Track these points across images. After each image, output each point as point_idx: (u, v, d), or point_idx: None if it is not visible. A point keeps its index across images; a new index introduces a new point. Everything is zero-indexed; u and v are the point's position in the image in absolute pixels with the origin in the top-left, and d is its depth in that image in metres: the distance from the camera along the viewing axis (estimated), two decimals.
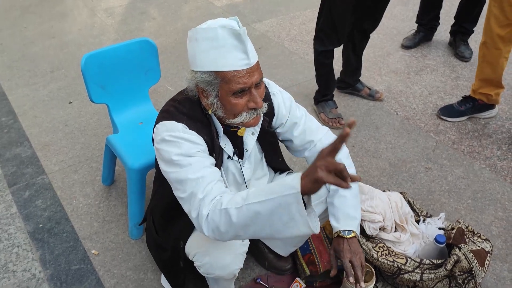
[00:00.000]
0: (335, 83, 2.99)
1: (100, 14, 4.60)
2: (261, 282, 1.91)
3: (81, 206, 2.32)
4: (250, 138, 1.53)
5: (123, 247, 2.09)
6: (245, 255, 1.53)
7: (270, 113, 1.53)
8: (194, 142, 1.33)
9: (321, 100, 2.93)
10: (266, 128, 1.53)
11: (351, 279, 1.39)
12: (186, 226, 1.52)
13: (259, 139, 1.58)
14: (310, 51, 3.69)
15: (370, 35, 2.86)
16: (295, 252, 1.95)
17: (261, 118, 1.46)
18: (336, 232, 1.50)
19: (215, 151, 1.42)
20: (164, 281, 1.87)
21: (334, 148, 1.02)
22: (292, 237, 1.14)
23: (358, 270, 1.41)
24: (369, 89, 3.10)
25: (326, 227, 2.03)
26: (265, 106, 1.38)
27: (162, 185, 1.53)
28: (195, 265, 1.53)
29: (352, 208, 1.53)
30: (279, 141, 1.67)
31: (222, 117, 1.37)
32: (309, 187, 1.05)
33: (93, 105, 3.03)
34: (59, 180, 2.49)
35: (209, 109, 1.36)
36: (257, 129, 1.52)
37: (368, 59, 3.53)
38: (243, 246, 1.53)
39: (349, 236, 1.47)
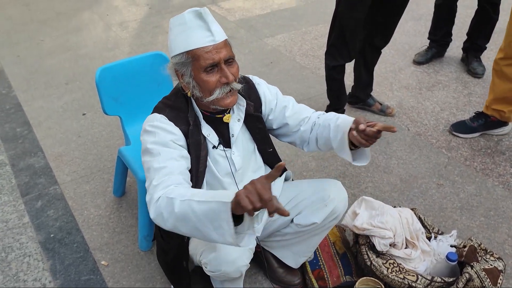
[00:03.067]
0: (346, 98, 3.00)
1: (114, 28, 4.69)
2: None
3: (92, 217, 2.34)
4: (236, 124, 1.58)
5: (132, 258, 2.10)
6: (252, 254, 1.54)
7: (258, 102, 1.63)
8: (169, 131, 1.43)
9: None
10: (252, 113, 1.59)
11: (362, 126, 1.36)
12: None
13: (248, 127, 1.62)
14: (321, 66, 3.70)
15: (382, 50, 2.87)
16: (304, 267, 1.94)
17: (239, 108, 1.55)
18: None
19: (193, 140, 1.48)
20: None
21: (270, 176, 1.07)
22: (221, 243, 1.18)
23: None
24: (381, 104, 3.10)
25: (336, 243, 2.02)
26: (240, 86, 1.45)
27: None
28: (201, 263, 1.53)
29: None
30: (276, 132, 1.73)
31: (200, 97, 1.44)
32: (234, 208, 1.10)
33: (106, 117, 3.07)
34: (71, 190, 2.51)
35: (187, 90, 1.46)
36: (242, 115, 1.58)
37: (380, 74, 3.54)
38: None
39: None
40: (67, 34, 4.56)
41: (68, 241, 2.20)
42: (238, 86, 1.45)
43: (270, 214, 1.05)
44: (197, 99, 1.48)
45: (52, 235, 2.23)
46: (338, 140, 1.49)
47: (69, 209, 2.38)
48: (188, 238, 1.61)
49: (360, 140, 1.38)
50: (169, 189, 1.29)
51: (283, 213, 1.04)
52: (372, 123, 1.37)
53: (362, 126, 1.34)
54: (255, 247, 1.88)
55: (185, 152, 1.46)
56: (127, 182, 2.46)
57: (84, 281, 2.00)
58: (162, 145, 1.41)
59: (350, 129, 1.41)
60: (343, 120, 1.49)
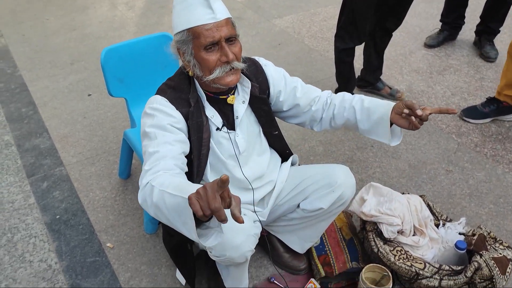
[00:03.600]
0: (355, 81, 2.94)
1: (120, 8, 4.62)
2: (275, 282, 1.89)
3: (98, 199, 2.33)
4: (240, 105, 1.55)
5: (138, 241, 2.10)
6: (257, 239, 1.52)
7: (265, 83, 1.60)
8: (168, 113, 1.42)
9: None
10: (257, 95, 1.56)
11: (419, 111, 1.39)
12: None
13: (253, 109, 1.60)
14: (330, 48, 3.64)
15: (392, 33, 2.80)
16: (310, 253, 1.92)
17: (244, 90, 1.53)
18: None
19: (193, 122, 1.45)
20: (179, 275, 1.86)
21: (219, 185, 0.99)
22: (190, 238, 1.14)
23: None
24: (390, 88, 3.05)
25: (342, 228, 2.00)
26: (242, 66, 1.42)
27: None
28: (206, 247, 1.52)
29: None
30: (286, 115, 1.71)
31: (200, 76, 1.42)
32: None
33: (111, 98, 3.01)
34: (76, 172, 2.50)
35: (188, 69, 1.44)
36: (247, 96, 1.55)
37: (390, 58, 3.47)
38: (256, 228, 1.52)
39: None
40: (73, 13, 4.50)
41: (74, 222, 2.20)
42: (240, 65, 1.41)
43: (222, 221, 1.00)
44: (199, 78, 1.45)
45: (57, 217, 2.23)
46: (372, 122, 1.55)
47: (75, 191, 2.38)
48: None
49: (412, 123, 1.42)
50: (156, 175, 1.27)
51: (237, 219, 0.99)
52: (422, 107, 1.41)
53: (419, 112, 1.37)
54: (261, 232, 1.87)
55: (182, 136, 1.43)
56: (132, 164, 2.45)
57: (90, 263, 2.00)
58: (159, 128, 1.39)
59: (393, 112, 1.47)
60: (374, 104, 1.54)
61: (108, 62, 2.03)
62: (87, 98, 3.16)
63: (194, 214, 1.05)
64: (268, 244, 1.90)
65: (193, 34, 1.35)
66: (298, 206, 1.72)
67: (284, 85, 1.63)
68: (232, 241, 1.43)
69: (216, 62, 1.37)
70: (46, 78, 3.41)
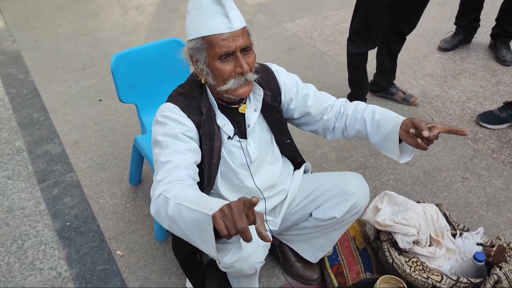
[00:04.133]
0: (368, 86, 2.90)
1: (132, 12, 4.63)
2: None
3: (108, 205, 2.31)
4: (252, 114, 1.52)
5: (148, 249, 2.07)
6: (267, 250, 1.47)
7: (277, 90, 1.56)
8: (180, 122, 1.39)
9: None
10: (270, 103, 1.52)
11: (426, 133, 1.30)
12: None
13: (265, 117, 1.57)
14: (342, 52, 3.60)
15: (406, 37, 2.75)
16: (323, 262, 1.88)
17: (256, 98, 1.50)
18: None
19: (205, 131, 1.43)
20: (189, 284, 1.84)
21: (249, 203, 0.96)
22: (207, 253, 1.11)
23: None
24: (404, 93, 2.99)
25: (356, 237, 1.95)
26: (255, 77, 1.40)
27: None
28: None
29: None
30: (297, 121, 1.67)
31: (213, 85, 1.39)
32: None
33: (122, 104, 3.01)
34: (87, 178, 2.49)
35: (200, 77, 1.40)
36: (259, 104, 1.52)
37: (403, 62, 3.42)
38: None
39: None
40: (84, 18, 4.52)
41: (84, 229, 2.18)
42: (253, 76, 1.39)
43: (248, 241, 0.97)
44: (211, 87, 1.42)
45: (68, 223, 2.22)
46: (382, 137, 1.47)
47: (85, 197, 2.37)
48: None
49: (418, 144, 1.33)
50: (169, 186, 1.24)
51: (264, 239, 0.96)
52: (432, 124, 1.33)
53: (426, 134, 1.28)
54: (272, 241, 1.83)
55: (194, 145, 1.40)
56: (143, 171, 2.43)
57: (100, 271, 1.98)
58: (171, 137, 1.36)
59: (401, 128, 1.39)
60: (385, 117, 1.47)
61: (119, 68, 2.02)
62: (98, 104, 3.16)
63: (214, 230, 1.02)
64: (279, 253, 1.87)
65: (207, 43, 1.32)
66: (311, 214, 1.68)
67: (296, 93, 1.59)
68: (242, 253, 1.39)
69: (230, 72, 1.34)
70: (58, 83, 3.42)
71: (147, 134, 2.13)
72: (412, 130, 1.33)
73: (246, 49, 1.35)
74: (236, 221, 0.96)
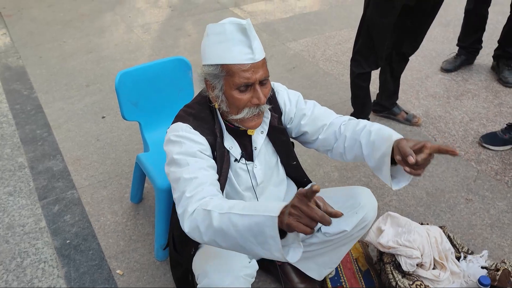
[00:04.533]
0: (371, 106, 2.90)
1: (136, 30, 4.68)
2: None
3: (109, 223, 2.30)
4: (259, 136, 1.52)
5: (148, 268, 2.05)
6: (250, 279, 1.42)
7: (277, 111, 1.55)
8: (196, 141, 1.37)
9: None
10: (276, 125, 1.51)
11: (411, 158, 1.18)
12: None
13: (271, 139, 1.56)
14: (345, 72, 3.62)
15: (409, 58, 2.77)
16: (325, 284, 1.86)
17: (263, 120, 1.48)
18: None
19: (219, 153, 1.42)
20: None
21: (305, 195, 0.97)
22: (267, 257, 1.09)
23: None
24: (406, 113, 3.00)
25: (358, 259, 1.93)
26: (268, 107, 1.40)
27: None
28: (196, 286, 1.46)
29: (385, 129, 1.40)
30: (294, 140, 1.65)
31: (226, 112, 1.39)
32: (282, 225, 1.01)
33: (125, 121, 3.02)
34: (88, 195, 2.48)
35: (215, 102, 1.39)
36: (266, 127, 1.51)
37: (406, 82, 3.43)
38: (248, 269, 1.41)
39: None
40: (89, 36, 4.57)
41: (84, 248, 2.16)
42: (267, 107, 1.39)
43: (328, 223, 0.97)
44: (223, 113, 1.42)
45: (68, 241, 2.20)
46: (376, 160, 1.35)
47: (86, 215, 2.35)
48: (194, 253, 1.54)
49: (409, 171, 1.21)
50: (204, 201, 1.21)
51: (336, 214, 0.97)
52: (420, 145, 1.20)
53: (411, 160, 1.17)
54: (275, 260, 1.81)
55: (212, 162, 1.39)
56: (145, 188, 2.42)
57: None
58: (189, 155, 1.34)
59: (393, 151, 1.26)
60: (379, 137, 1.35)
61: (123, 86, 2.02)
62: (101, 121, 3.16)
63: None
64: (281, 274, 1.84)
65: (227, 71, 1.30)
66: (319, 230, 1.66)
67: (295, 113, 1.58)
68: (219, 283, 1.35)
69: (246, 102, 1.34)
70: (62, 100, 3.43)
71: (150, 152, 2.13)
72: (398, 157, 1.23)
73: (264, 81, 1.34)
74: (311, 215, 0.96)
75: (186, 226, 1.21)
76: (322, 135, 1.56)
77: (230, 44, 1.29)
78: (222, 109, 1.39)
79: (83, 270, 2.05)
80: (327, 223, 0.96)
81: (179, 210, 1.26)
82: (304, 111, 1.58)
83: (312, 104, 1.61)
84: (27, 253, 2.14)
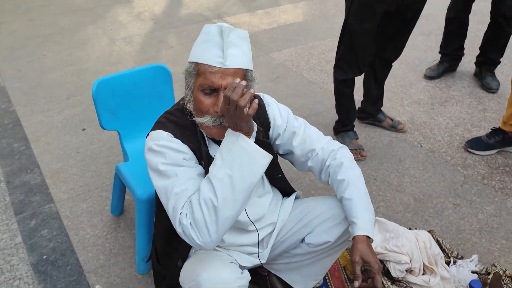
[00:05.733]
0: (355, 113, 2.88)
1: (118, 43, 4.63)
2: None
3: (88, 237, 2.21)
4: None
5: (129, 282, 1.97)
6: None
7: (266, 124, 1.51)
8: (178, 150, 1.33)
9: (341, 130, 2.82)
10: (261, 139, 1.44)
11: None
12: (186, 245, 1.44)
13: None
14: (329, 81, 3.61)
15: (392, 64, 2.76)
16: None
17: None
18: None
19: (204, 160, 1.38)
20: None
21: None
22: (261, 175, 1.26)
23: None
24: (391, 120, 2.98)
25: (346, 267, 1.88)
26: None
27: (163, 209, 1.43)
28: None
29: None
30: (281, 156, 1.61)
31: (193, 114, 1.36)
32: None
33: (106, 133, 2.97)
34: (67, 209, 2.39)
35: (187, 100, 1.38)
36: (252, 139, 1.43)
37: (390, 89, 3.42)
38: (240, 280, 1.35)
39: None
40: (70, 49, 4.50)
41: (62, 263, 2.07)
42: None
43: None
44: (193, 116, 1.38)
45: (44, 257, 2.11)
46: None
47: (64, 229, 2.26)
48: (183, 262, 1.49)
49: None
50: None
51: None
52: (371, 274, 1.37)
53: (355, 284, 1.33)
54: (260, 270, 1.75)
55: (201, 169, 1.35)
56: (125, 200, 2.34)
57: None
58: (175, 165, 1.31)
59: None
60: (347, 213, 1.46)
61: (100, 94, 1.96)
62: (81, 133, 3.09)
63: None
64: (269, 285, 1.78)
65: (197, 70, 1.29)
66: (302, 240, 1.60)
67: (284, 129, 1.53)
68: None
69: (208, 108, 1.30)
70: (41, 113, 3.35)
71: (130, 162, 2.06)
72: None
73: None
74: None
75: (195, 237, 1.23)
76: (311, 163, 1.54)
77: (209, 45, 1.28)
78: (190, 109, 1.36)
79: (60, 286, 1.96)
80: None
81: (178, 229, 1.25)
82: (295, 129, 1.53)
83: (303, 122, 1.57)
84: (1, 270, 2.04)
